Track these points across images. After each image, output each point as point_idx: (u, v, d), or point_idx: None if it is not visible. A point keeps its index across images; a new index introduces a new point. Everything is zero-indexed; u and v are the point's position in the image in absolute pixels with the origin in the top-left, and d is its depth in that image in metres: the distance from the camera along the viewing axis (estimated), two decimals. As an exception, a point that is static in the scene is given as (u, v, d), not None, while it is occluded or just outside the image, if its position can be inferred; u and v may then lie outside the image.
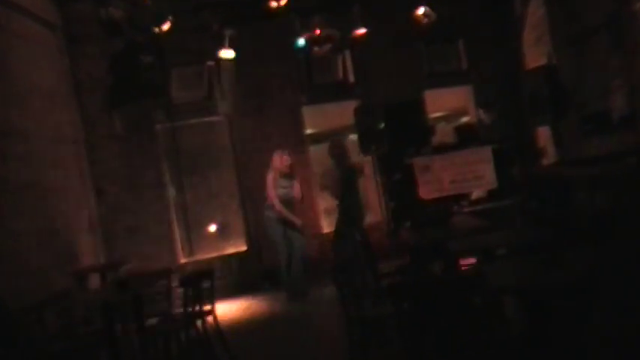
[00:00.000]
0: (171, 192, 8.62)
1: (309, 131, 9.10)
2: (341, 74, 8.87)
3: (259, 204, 7.88)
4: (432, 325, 3.44)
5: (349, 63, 8.89)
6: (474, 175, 7.16)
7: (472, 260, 5.06)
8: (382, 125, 7.51)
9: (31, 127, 6.52)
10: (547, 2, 8.04)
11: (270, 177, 7.53)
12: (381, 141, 7.55)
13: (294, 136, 8.79)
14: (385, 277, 5.14)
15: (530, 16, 8.53)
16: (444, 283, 3.99)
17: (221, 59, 8.23)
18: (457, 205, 7.25)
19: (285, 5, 7.45)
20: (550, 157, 8.25)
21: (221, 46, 8.05)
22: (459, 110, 9.76)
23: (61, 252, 6.68)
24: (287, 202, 7.55)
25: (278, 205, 7.46)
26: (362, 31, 8.34)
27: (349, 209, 7.54)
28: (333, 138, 8.25)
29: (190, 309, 4.97)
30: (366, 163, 8.73)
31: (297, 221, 7.54)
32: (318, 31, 8.03)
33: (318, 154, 8.77)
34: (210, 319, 5.26)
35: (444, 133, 8.56)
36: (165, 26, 7.05)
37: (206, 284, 5.11)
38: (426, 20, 8.11)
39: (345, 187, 7.56)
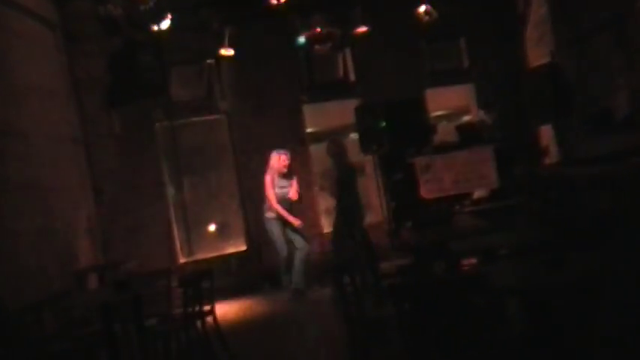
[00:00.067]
0: (171, 191, 8.59)
1: (309, 130, 9.06)
2: (342, 73, 8.85)
3: (259, 203, 7.85)
4: (433, 325, 3.41)
5: (350, 61, 8.86)
6: (476, 174, 7.12)
7: (473, 260, 5.03)
8: (383, 124, 7.48)
9: (29, 126, 6.48)
10: (549, 1, 8.00)
11: (268, 177, 7.53)
12: (381, 140, 7.52)
13: (294, 135, 8.76)
14: (387, 278, 5.11)
15: (533, 14, 8.49)
16: (446, 283, 3.95)
17: (221, 57, 8.19)
18: (459, 204, 7.22)
19: (285, 3, 7.41)
20: (553, 156, 8.21)
21: (221, 44, 8.01)
22: (460, 109, 9.73)
23: (60, 252, 6.65)
24: (286, 201, 7.55)
25: (276, 206, 7.46)
26: (363, 29, 8.31)
27: (348, 209, 7.50)
28: (331, 137, 8.22)
29: (190, 309, 4.95)
30: (367, 162, 8.69)
31: (296, 221, 7.52)
32: (318, 30, 7.98)
33: (319, 153, 8.73)
34: (209, 319, 5.24)
35: (445, 132, 8.53)
36: (165, 24, 7.01)
37: (206, 284, 5.08)
38: (427, 18, 8.07)
39: (344, 186, 7.53)
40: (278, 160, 7.53)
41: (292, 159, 7.76)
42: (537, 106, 7.38)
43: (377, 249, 7.62)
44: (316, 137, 9.16)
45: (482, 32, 9.03)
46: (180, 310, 5.10)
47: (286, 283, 7.61)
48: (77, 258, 7.05)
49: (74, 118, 7.82)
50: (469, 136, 7.79)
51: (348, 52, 8.82)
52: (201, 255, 8.52)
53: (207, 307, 5.19)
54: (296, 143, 8.64)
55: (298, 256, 7.53)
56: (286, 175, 7.58)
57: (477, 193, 7.44)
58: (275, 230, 7.53)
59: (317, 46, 8.24)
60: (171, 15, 7.02)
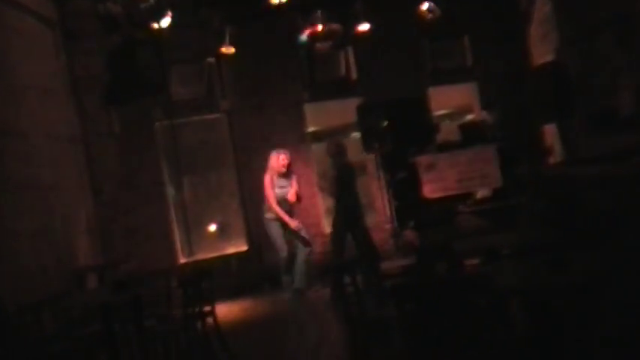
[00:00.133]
0: (171, 191, 8.56)
1: (310, 129, 9.01)
2: (343, 71, 8.80)
3: (260, 203, 7.82)
4: (434, 325, 3.37)
5: (352, 59, 8.81)
6: (479, 173, 7.07)
7: (475, 261, 4.99)
8: (385, 123, 7.44)
9: (28, 125, 6.45)
10: (553, -1, 7.95)
11: (267, 177, 7.52)
12: (384, 139, 7.48)
13: (295, 134, 8.72)
14: (389, 278, 5.08)
15: (537, 12, 8.43)
16: (448, 283, 3.92)
17: (221, 56, 8.14)
18: (461, 204, 7.17)
19: (286, 1, 7.35)
20: (556, 155, 8.16)
21: (221, 42, 7.96)
22: (463, 108, 9.68)
23: (59, 252, 6.62)
24: (286, 202, 7.53)
25: (275, 207, 7.44)
26: (365, 27, 8.24)
27: (346, 208, 7.46)
28: (331, 138, 8.19)
29: (190, 310, 4.92)
30: (369, 161, 8.65)
31: (292, 223, 7.50)
32: (320, 28, 7.93)
33: (320, 152, 8.69)
34: (210, 319, 5.21)
35: (448, 131, 8.49)
36: (165, 22, 6.97)
37: (206, 284, 5.05)
38: (430, 16, 8.01)
39: (343, 186, 7.48)
40: (277, 159, 7.51)
41: (293, 158, 7.73)
42: (541, 105, 7.33)
43: (379, 249, 7.58)
44: (318, 136, 9.12)
45: (485, 30, 8.97)
46: (180, 310, 5.07)
47: (286, 284, 7.60)
48: (77, 258, 7.03)
49: (73, 117, 7.78)
50: (472, 135, 7.73)
51: (349, 50, 8.76)
52: (201, 255, 8.48)
53: (207, 308, 5.17)
54: (297, 142, 8.60)
55: (300, 256, 7.52)
56: (286, 175, 7.56)
57: (480, 193, 7.39)
58: (275, 231, 7.52)
59: (318, 44, 8.18)
60: (172, 13, 6.97)
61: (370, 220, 8.11)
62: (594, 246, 3.85)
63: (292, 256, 7.55)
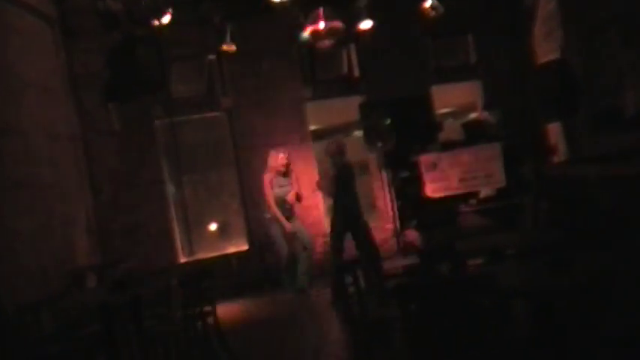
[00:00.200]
0: (171, 190, 8.52)
1: (312, 127, 8.96)
2: (346, 69, 8.75)
3: (261, 202, 7.78)
4: (438, 326, 3.33)
5: (354, 57, 8.75)
6: (483, 172, 7.03)
7: (478, 261, 4.95)
8: (388, 121, 7.40)
9: (27, 123, 6.42)
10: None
11: (266, 177, 7.50)
12: (386, 137, 7.45)
13: (297, 133, 8.66)
14: (392, 278, 5.04)
15: (541, 9, 8.37)
16: (451, 283, 3.87)
17: (222, 53, 8.09)
18: (465, 203, 7.12)
19: (288, -3, 7.29)
20: (561, 154, 8.10)
21: (222, 39, 7.90)
22: (466, 106, 9.64)
23: (59, 251, 6.60)
24: (285, 201, 7.49)
25: (273, 207, 7.43)
26: (367, 24, 8.18)
27: (345, 208, 7.41)
28: (331, 138, 8.14)
29: (190, 309, 4.88)
30: (371, 160, 8.59)
31: (287, 225, 7.44)
32: (322, 25, 7.87)
33: (322, 150, 8.64)
34: (210, 319, 5.17)
35: (451, 130, 8.45)
36: (165, 19, 6.91)
37: (206, 284, 5.01)
38: (433, 13, 7.92)
39: (342, 186, 7.43)
40: (276, 159, 7.50)
41: (295, 157, 7.68)
42: (545, 103, 7.27)
43: (382, 248, 7.53)
44: (320, 135, 9.07)
45: (489, 28, 8.90)
46: (180, 310, 5.03)
47: (287, 283, 7.57)
48: (76, 257, 7.00)
49: (73, 115, 7.76)
50: (476, 133, 7.71)
51: (352, 48, 8.71)
52: (201, 254, 8.46)
53: (207, 308, 5.13)
54: (299, 141, 8.55)
55: (301, 256, 7.49)
56: (285, 174, 7.54)
57: (484, 192, 7.34)
58: (275, 230, 7.48)
59: (320, 42, 8.12)
60: (172, 9, 6.92)
61: (372, 219, 8.05)
62: (598, 246, 3.81)
63: (293, 255, 7.52)
